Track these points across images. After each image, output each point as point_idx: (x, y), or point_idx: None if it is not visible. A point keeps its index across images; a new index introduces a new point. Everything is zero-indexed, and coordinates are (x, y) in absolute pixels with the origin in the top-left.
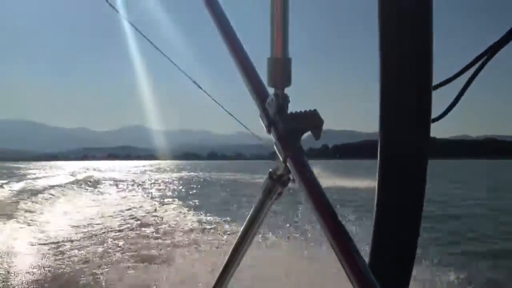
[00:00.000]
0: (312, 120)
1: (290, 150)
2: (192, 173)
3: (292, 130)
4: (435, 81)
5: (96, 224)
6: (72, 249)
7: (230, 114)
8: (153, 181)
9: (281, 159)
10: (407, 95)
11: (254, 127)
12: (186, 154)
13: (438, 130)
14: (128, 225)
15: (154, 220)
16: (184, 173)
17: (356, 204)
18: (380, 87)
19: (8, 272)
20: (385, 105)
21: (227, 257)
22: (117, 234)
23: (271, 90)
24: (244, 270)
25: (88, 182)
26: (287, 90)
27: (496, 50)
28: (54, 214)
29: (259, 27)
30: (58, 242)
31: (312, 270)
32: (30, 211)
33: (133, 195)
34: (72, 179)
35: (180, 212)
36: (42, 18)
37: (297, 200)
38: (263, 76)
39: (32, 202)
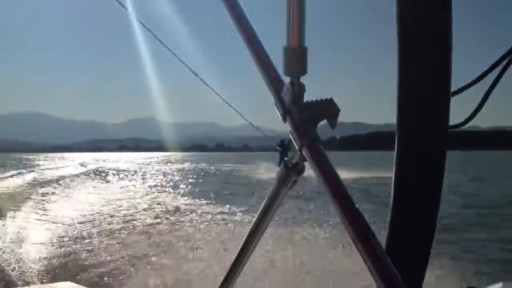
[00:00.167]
0: (328, 108)
1: (306, 138)
2: (194, 165)
3: (308, 119)
4: (453, 87)
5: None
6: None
7: (232, 107)
8: (153, 172)
9: (297, 148)
10: (425, 98)
11: (264, 118)
12: (194, 146)
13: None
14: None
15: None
16: (186, 165)
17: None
18: (397, 89)
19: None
20: (402, 108)
21: (241, 244)
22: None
23: (286, 79)
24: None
25: (96, 172)
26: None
27: None
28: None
29: (276, 16)
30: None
31: None
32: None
33: (133, 185)
34: (82, 169)
35: (166, 196)
36: (53, 10)
37: None
38: (278, 66)
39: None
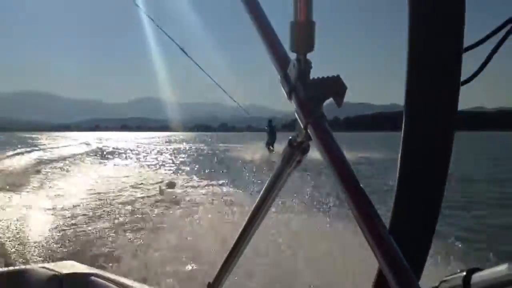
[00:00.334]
0: (334, 86)
1: (311, 117)
2: (191, 144)
3: (314, 96)
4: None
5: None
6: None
7: (220, 87)
8: (149, 151)
9: (302, 126)
10: (434, 84)
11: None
12: (197, 125)
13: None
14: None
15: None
16: (184, 144)
17: None
18: (406, 75)
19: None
20: (411, 95)
21: (245, 222)
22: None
23: (292, 56)
24: None
25: (94, 152)
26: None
27: None
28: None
29: None
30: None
31: None
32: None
33: (127, 163)
34: (82, 150)
35: (154, 173)
36: None
37: None
38: (284, 42)
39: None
